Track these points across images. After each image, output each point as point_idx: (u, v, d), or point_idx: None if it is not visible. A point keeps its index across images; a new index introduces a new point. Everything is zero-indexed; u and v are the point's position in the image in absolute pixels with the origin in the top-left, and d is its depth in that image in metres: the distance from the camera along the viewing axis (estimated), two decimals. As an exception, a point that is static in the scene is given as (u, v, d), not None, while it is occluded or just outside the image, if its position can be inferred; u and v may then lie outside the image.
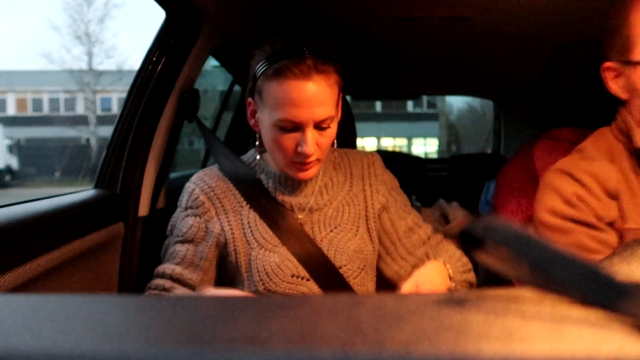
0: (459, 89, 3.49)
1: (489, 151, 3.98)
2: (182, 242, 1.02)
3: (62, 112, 20.04)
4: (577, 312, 0.23)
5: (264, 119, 0.95)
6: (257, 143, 1.03)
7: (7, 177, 15.95)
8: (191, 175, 1.08)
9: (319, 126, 0.92)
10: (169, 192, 1.42)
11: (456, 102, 23.43)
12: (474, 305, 0.25)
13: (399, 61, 2.28)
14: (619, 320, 0.22)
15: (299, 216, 1.01)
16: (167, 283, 1.00)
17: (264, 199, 1.01)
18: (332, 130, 0.96)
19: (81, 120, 18.29)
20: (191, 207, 1.03)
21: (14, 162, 16.78)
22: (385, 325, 0.22)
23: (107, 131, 15.20)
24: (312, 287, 0.97)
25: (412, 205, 1.07)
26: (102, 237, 1.14)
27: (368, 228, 1.04)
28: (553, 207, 0.89)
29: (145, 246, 1.29)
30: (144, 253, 1.29)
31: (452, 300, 0.26)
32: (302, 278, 0.97)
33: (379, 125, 21.58)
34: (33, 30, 37.47)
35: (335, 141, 1.00)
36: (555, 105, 1.15)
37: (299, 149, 0.92)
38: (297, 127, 0.91)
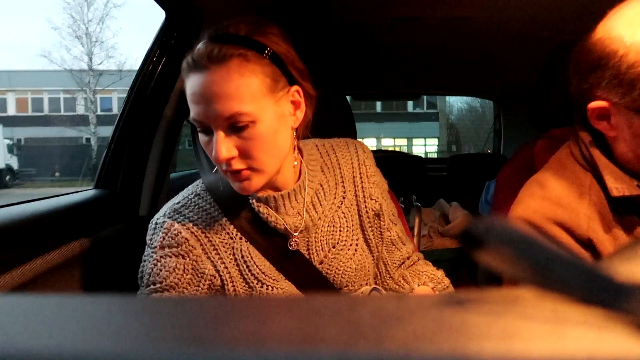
0: (459, 89, 3.49)
1: (489, 151, 3.98)
2: (162, 290, 0.83)
3: (62, 112, 20.05)
4: (577, 312, 0.23)
5: None
6: None
7: (7, 177, 15.96)
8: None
9: (233, 126, 0.75)
10: (169, 192, 1.42)
11: (456, 102, 23.45)
12: (474, 305, 0.25)
13: (399, 61, 2.28)
14: (619, 320, 0.22)
15: (295, 237, 0.88)
16: None
17: (257, 226, 0.86)
18: (260, 132, 0.76)
19: (81, 120, 18.30)
20: (169, 246, 0.84)
21: (14, 162, 16.78)
22: (385, 326, 0.22)
23: (107, 131, 15.22)
24: None
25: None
26: (102, 237, 1.14)
27: (366, 238, 0.94)
28: None
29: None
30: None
31: (452, 300, 0.26)
32: None
33: (379, 125, 21.59)
34: (33, 30, 37.48)
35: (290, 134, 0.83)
36: (555, 105, 1.15)
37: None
38: (208, 128, 0.77)
